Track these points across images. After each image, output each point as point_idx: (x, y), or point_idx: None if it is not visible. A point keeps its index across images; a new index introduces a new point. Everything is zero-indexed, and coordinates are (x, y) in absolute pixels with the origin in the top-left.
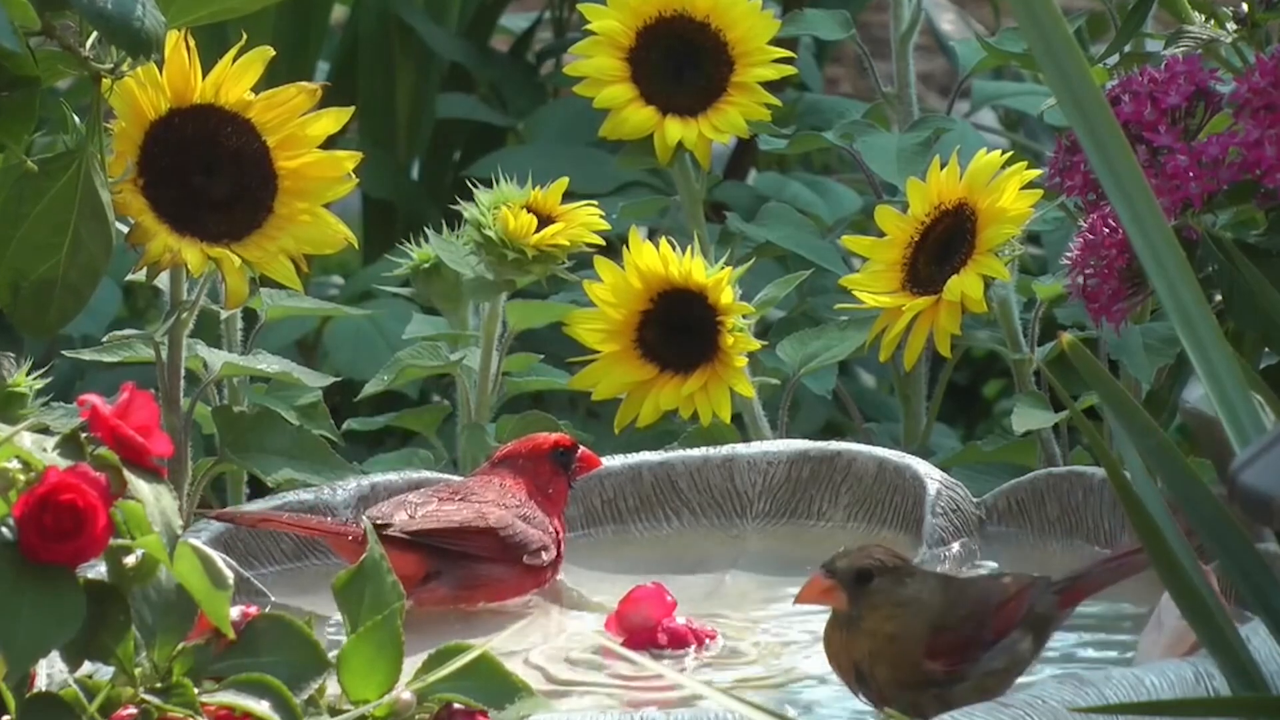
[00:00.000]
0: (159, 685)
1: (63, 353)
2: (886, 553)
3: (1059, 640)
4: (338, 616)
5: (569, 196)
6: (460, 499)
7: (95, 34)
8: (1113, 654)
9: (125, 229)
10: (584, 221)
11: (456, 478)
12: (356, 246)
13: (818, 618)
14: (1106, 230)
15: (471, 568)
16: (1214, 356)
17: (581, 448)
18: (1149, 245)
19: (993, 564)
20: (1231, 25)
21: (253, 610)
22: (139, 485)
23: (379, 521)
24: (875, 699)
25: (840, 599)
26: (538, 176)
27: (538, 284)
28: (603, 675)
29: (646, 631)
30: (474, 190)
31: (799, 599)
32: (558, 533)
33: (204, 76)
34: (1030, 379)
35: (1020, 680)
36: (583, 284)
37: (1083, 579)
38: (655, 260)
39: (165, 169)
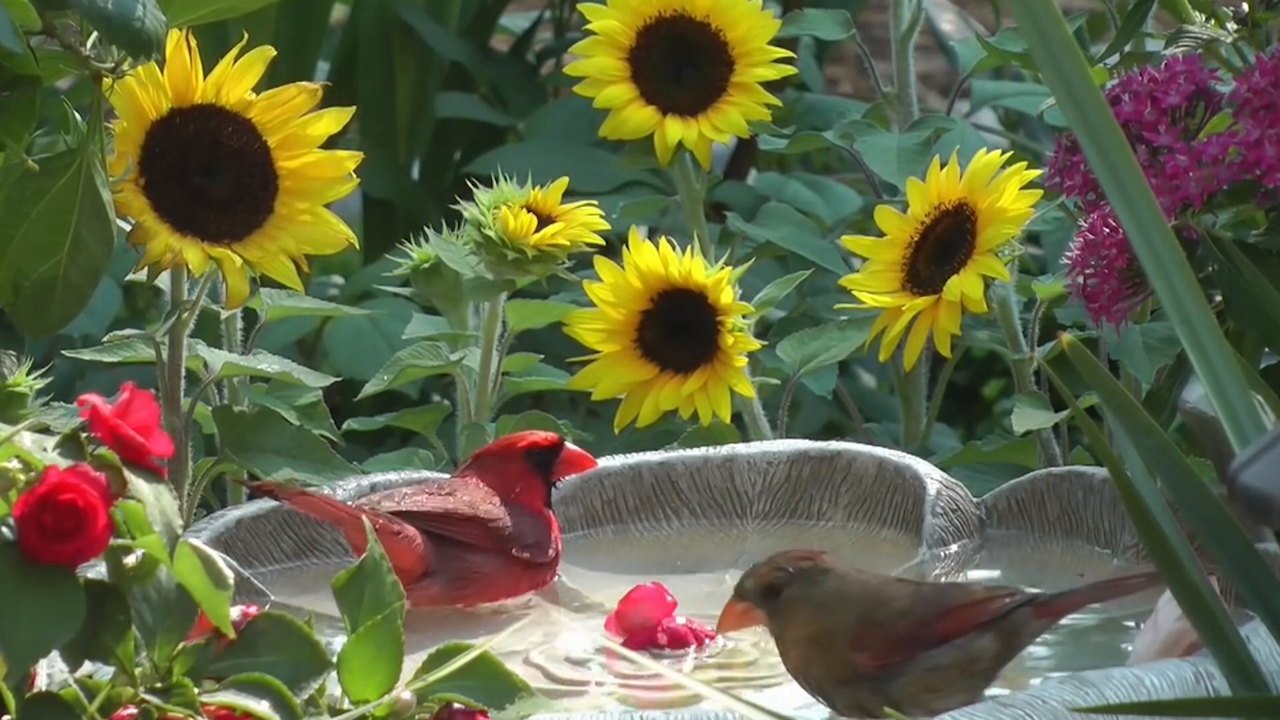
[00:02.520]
0: (159, 685)
1: (63, 352)
2: (795, 558)
3: (1059, 640)
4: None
5: (569, 196)
6: (447, 493)
7: (96, 33)
8: (1112, 653)
9: (126, 228)
10: (584, 221)
11: (445, 476)
12: (357, 247)
13: None
14: (1106, 230)
15: (464, 561)
16: (1214, 356)
17: (568, 448)
18: (1149, 245)
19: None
20: (1231, 25)
21: (253, 610)
22: (139, 485)
23: (375, 507)
24: (824, 701)
25: (759, 618)
26: (538, 176)
27: (538, 284)
28: (603, 675)
29: (646, 631)
30: (474, 190)
31: (719, 629)
32: (554, 532)
33: (205, 76)
34: (1030, 379)
35: (1014, 677)
36: (583, 284)
37: (1067, 596)
38: (655, 260)
39: (166, 169)
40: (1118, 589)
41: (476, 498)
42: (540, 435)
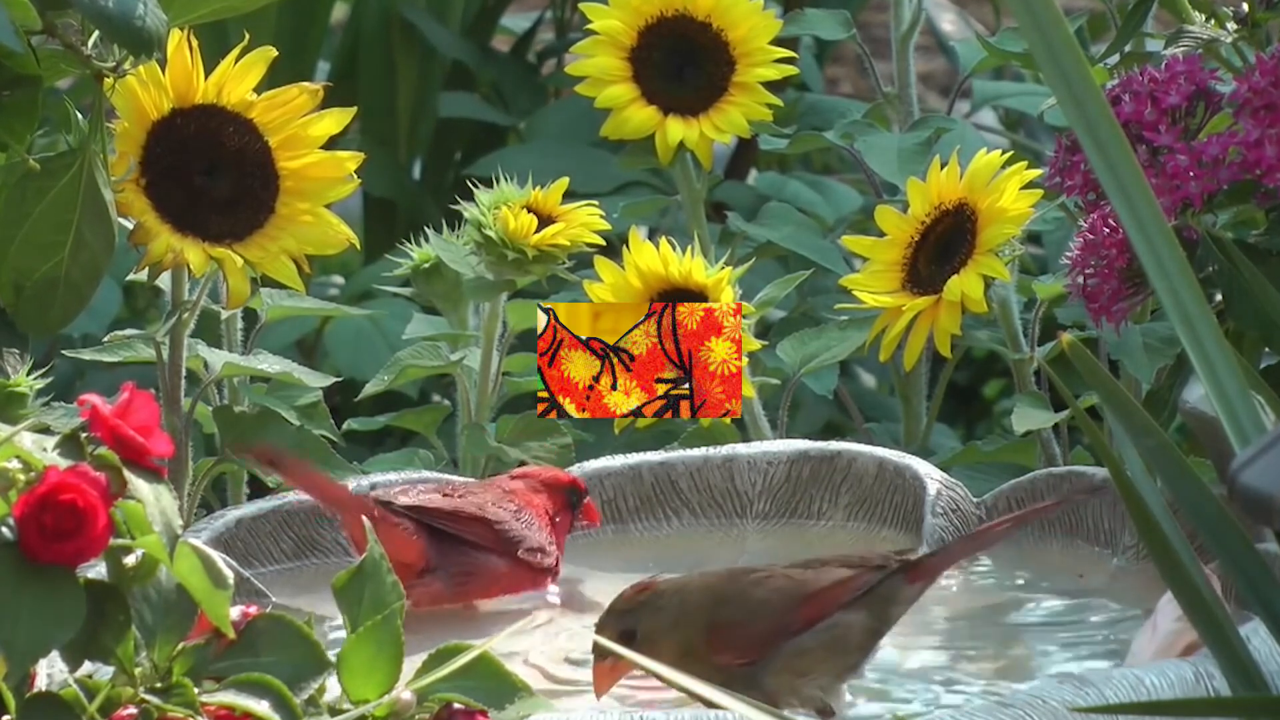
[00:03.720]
0: (159, 685)
1: (63, 352)
2: (627, 598)
3: (1058, 640)
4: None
5: (569, 196)
6: (460, 495)
7: (97, 33)
8: (1112, 653)
9: (127, 228)
10: (584, 221)
11: (458, 478)
12: (358, 247)
13: None
14: (1106, 230)
15: (467, 558)
16: (1214, 356)
17: (588, 498)
18: (1149, 245)
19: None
20: (1231, 25)
21: (253, 610)
22: (139, 485)
23: (383, 498)
24: None
25: (629, 664)
26: (538, 176)
27: (538, 284)
28: None
29: None
30: (474, 190)
31: (598, 693)
32: (557, 548)
33: (206, 76)
34: (1030, 379)
35: (1025, 680)
36: (583, 284)
37: (934, 556)
38: (655, 260)
39: (167, 169)
40: (985, 539)
41: (487, 502)
42: (576, 476)
